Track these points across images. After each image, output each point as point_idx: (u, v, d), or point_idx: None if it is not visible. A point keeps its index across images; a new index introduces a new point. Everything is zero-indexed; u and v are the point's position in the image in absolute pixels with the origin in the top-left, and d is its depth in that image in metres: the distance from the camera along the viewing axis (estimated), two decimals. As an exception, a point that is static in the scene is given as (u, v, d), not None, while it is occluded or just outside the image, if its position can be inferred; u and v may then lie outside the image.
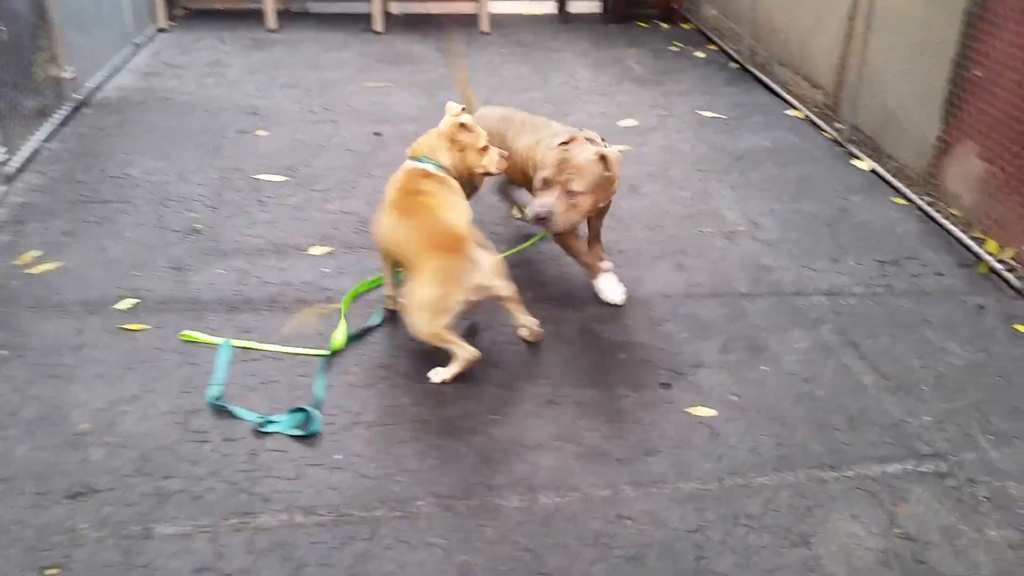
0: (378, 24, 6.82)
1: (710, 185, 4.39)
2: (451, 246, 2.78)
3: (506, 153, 3.19)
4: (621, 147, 4.81)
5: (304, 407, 2.75)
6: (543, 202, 3.07)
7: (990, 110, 3.77)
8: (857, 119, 4.77)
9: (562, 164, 3.05)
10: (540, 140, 3.33)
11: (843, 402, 2.84)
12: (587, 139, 3.19)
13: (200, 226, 3.89)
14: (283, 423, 2.72)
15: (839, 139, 4.87)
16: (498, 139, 3.42)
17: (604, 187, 3.14)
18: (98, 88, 5.45)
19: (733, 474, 2.52)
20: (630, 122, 5.19)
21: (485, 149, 3.11)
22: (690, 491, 2.46)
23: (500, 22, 7.21)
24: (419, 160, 3.08)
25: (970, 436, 2.69)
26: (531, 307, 3.24)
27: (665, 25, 7.28)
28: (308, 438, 2.65)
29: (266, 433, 2.65)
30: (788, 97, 5.52)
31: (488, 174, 3.20)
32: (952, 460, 2.59)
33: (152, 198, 4.12)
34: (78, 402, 2.79)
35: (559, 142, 3.11)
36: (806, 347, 3.12)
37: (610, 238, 3.84)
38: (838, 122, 4.99)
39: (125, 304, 3.30)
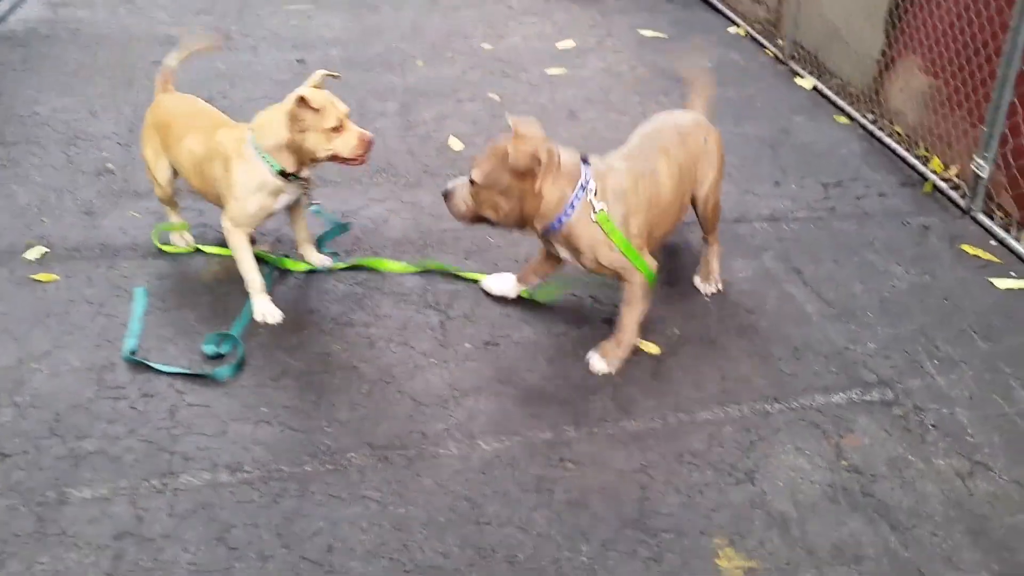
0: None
1: (650, 109, 4.23)
2: None
3: (369, 135, 2.63)
4: (558, 70, 4.63)
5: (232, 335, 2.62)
6: (456, 180, 2.57)
7: (934, 21, 3.66)
8: (799, 35, 4.64)
9: (485, 149, 2.51)
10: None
11: (787, 332, 2.78)
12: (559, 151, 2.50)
13: (112, 166, 3.65)
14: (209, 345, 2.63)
15: (781, 56, 4.75)
16: None
17: (512, 190, 2.43)
18: (0, 20, 5.06)
19: (677, 409, 2.46)
20: (568, 43, 4.99)
21: (337, 129, 2.58)
22: (633, 430, 2.39)
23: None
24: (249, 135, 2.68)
25: (916, 362, 2.65)
26: (462, 240, 3.12)
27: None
28: (228, 388, 2.50)
29: (186, 381, 2.50)
30: (729, 14, 5.36)
31: (339, 159, 2.62)
32: (898, 388, 2.55)
33: (61, 138, 3.85)
34: (-17, 361, 2.60)
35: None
36: (748, 276, 3.04)
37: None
38: (780, 39, 4.86)
39: (33, 253, 3.09)
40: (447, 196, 2.58)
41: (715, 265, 2.96)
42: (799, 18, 4.58)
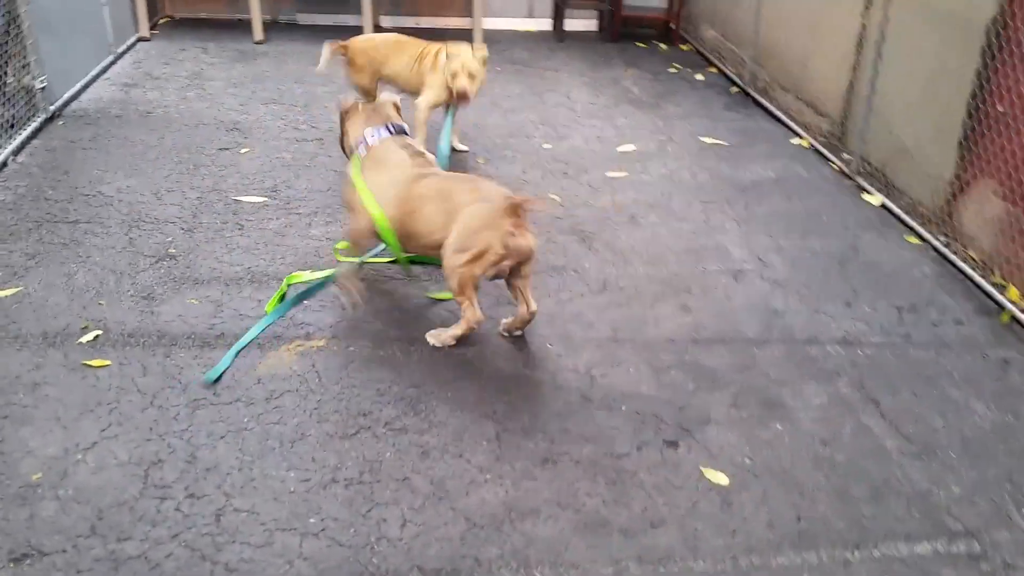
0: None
1: (713, 218, 4.18)
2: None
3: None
4: (619, 173, 4.60)
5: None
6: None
7: (1012, 147, 3.58)
8: (866, 150, 4.58)
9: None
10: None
11: (865, 468, 2.62)
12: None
13: (174, 251, 3.65)
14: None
15: (847, 171, 4.68)
16: None
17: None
18: (73, 98, 5.20)
19: (749, 552, 2.30)
20: (629, 147, 4.98)
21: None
22: (701, 572, 2.24)
23: (494, 38, 7.01)
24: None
25: (1004, 511, 2.48)
26: (529, 350, 3.04)
27: (663, 46, 7.10)
28: (278, 492, 2.40)
29: (234, 483, 2.41)
30: (792, 124, 5.33)
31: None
32: (985, 540, 2.37)
33: (124, 219, 3.87)
34: (30, 448, 2.54)
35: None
36: (823, 403, 2.90)
37: (610, 273, 3.63)
38: (846, 152, 4.80)
39: (88, 336, 3.05)
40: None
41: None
42: (866, 133, 4.53)
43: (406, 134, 3.37)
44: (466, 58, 4.15)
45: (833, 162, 4.83)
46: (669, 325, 3.30)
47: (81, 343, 3.02)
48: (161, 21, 6.95)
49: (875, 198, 4.39)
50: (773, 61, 5.75)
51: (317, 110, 5.28)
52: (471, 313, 3.04)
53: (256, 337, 3.09)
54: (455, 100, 4.26)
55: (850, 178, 4.64)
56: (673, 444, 2.68)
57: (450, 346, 3.11)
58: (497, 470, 2.55)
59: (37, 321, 3.13)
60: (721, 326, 3.31)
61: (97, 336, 3.06)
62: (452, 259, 2.97)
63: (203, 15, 7.08)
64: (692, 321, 3.33)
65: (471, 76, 4.15)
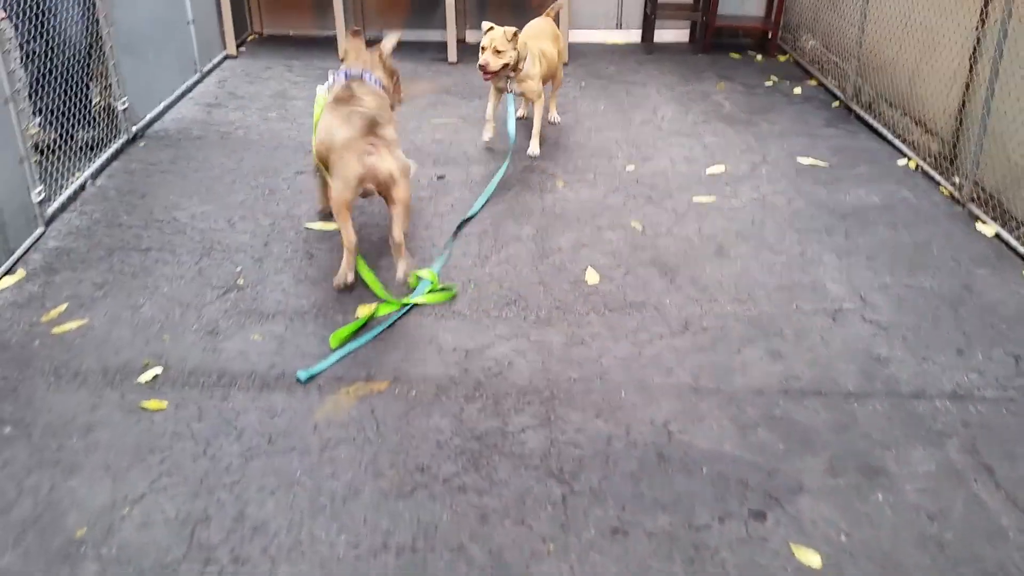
0: (452, 53, 6.48)
1: (810, 249, 3.87)
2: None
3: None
4: (706, 198, 4.32)
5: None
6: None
7: None
8: (980, 175, 4.18)
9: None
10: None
11: (978, 551, 2.31)
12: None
13: (242, 281, 3.57)
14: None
15: (958, 196, 4.28)
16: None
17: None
18: (156, 119, 5.23)
19: (843, 654, 2.03)
20: (718, 169, 4.69)
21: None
22: (788, 676, 1.98)
23: (579, 52, 6.79)
24: None
25: None
26: (593, 394, 2.82)
27: (759, 57, 6.74)
28: (324, 560, 2.25)
29: (279, 546, 2.27)
30: (898, 144, 4.94)
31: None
32: None
33: (196, 247, 3.82)
34: (77, 499, 2.46)
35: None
36: (930, 470, 2.59)
37: (693, 311, 3.38)
38: (957, 176, 4.41)
39: (148, 375, 2.98)
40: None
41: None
42: (979, 156, 4.13)
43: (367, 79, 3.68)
44: (495, 34, 4.33)
45: (943, 186, 4.43)
46: (758, 373, 3.03)
47: (140, 383, 2.95)
48: (249, 38, 6.98)
49: (989, 228, 3.99)
50: (878, 74, 5.36)
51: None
52: (345, 236, 3.40)
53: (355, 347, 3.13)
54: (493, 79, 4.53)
55: (962, 205, 4.24)
56: (760, 516, 2.41)
57: (347, 283, 3.46)
58: (562, 540, 2.34)
59: (99, 357, 3.08)
60: (816, 375, 3.02)
61: (156, 376, 2.98)
62: (332, 187, 3.38)
63: (291, 32, 7.08)
64: (784, 369, 3.05)
65: (497, 52, 4.32)
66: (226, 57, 6.47)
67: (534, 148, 4.79)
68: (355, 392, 2.90)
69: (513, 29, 4.41)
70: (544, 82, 4.87)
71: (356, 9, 6.96)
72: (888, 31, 5.21)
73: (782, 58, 6.71)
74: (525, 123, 5.02)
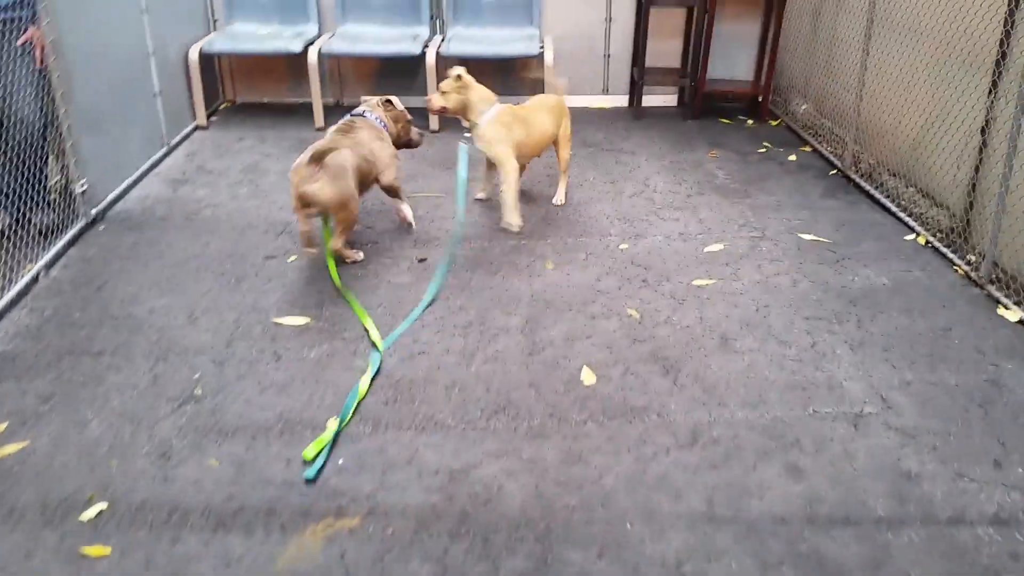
0: (434, 121, 6.22)
1: (821, 340, 3.58)
2: None
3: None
4: (706, 280, 4.04)
5: None
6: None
7: None
8: (997, 253, 3.92)
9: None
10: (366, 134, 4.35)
11: None
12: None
13: (200, 391, 3.23)
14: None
15: (975, 277, 4.01)
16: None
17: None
18: (119, 198, 4.93)
19: None
20: (716, 247, 4.42)
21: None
22: None
23: (566, 117, 6.55)
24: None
25: None
26: (594, 526, 2.49)
27: (750, 121, 6.53)
28: None
29: None
30: (904, 217, 4.69)
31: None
32: None
33: (152, 349, 3.49)
34: None
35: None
36: (984, 623, 2.26)
37: (700, 418, 3.07)
38: (971, 254, 4.15)
39: (91, 512, 2.63)
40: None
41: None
42: (996, 233, 3.88)
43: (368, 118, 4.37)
44: (446, 80, 4.43)
45: (957, 265, 4.17)
46: (777, 495, 2.71)
47: (82, 520, 2.60)
48: (222, 107, 6.72)
49: (1013, 313, 3.72)
50: (878, 142, 5.14)
51: (371, 204, 4.87)
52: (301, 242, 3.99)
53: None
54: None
55: (979, 286, 3.97)
56: None
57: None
58: None
59: (38, 489, 2.73)
60: (842, 497, 2.70)
61: (101, 511, 2.63)
62: None
63: (266, 99, 6.82)
64: (805, 490, 2.73)
65: (442, 92, 4.42)
66: (196, 128, 6.19)
67: (509, 219, 4.55)
68: (323, 531, 2.56)
69: (459, 71, 4.38)
70: (536, 154, 4.72)
71: (333, 77, 6.72)
72: (888, 99, 5.00)
73: (774, 123, 6.51)
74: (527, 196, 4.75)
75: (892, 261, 4.26)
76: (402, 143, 4.60)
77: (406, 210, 4.58)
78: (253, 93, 6.82)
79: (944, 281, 4.06)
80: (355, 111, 4.39)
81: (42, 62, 4.16)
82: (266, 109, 6.68)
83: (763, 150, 5.90)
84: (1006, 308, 3.76)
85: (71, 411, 3.11)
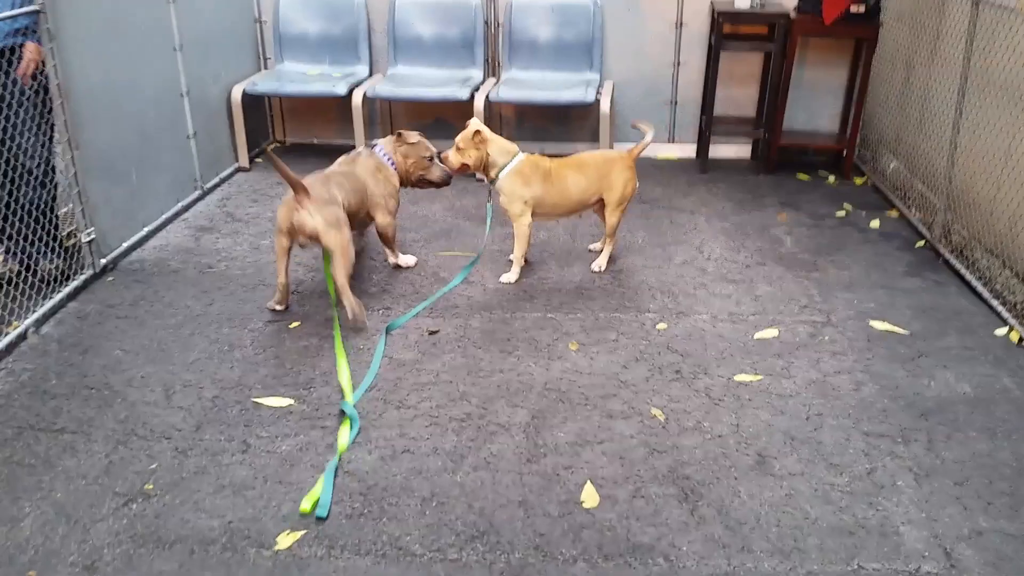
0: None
1: (880, 464, 2.98)
2: None
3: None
4: (751, 377, 3.48)
5: None
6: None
7: None
8: (1110, 363, 3.24)
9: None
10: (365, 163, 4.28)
11: None
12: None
13: (151, 486, 2.88)
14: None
15: (1080, 389, 3.34)
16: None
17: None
18: (137, 245, 4.69)
19: None
20: (769, 333, 3.86)
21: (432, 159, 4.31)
22: None
23: (626, 168, 6.06)
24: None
25: None
26: None
27: (831, 178, 5.90)
28: None
29: None
30: (997, 306, 4.02)
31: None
32: None
33: (116, 430, 3.18)
34: None
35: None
36: None
37: (717, 567, 2.53)
38: (1078, 359, 3.47)
39: (-15, 639, 2.29)
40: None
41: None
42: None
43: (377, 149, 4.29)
44: (464, 131, 4.13)
45: (1061, 373, 3.49)
46: None
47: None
48: (271, 147, 6.49)
49: None
50: (972, 212, 4.47)
51: (385, 271, 4.49)
52: (278, 273, 3.94)
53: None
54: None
55: (1087, 402, 3.30)
56: None
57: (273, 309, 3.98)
58: None
59: (-63, 603, 2.41)
60: None
61: (-6, 643, 2.29)
62: None
63: (315, 140, 6.57)
64: None
65: (458, 149, 4.11)
66: (237, 170, 5.97)
67: (506, 276, 4.31)
68: None
69: (475, 127, 4.10)
70: (568, 214, 4.39)
71: (384, 119, 6.42)
72: (983, 161, 4.34)
73: (859, 181, 5.86)
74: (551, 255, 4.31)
75: (978, 363, 3.61)
76: (416, 181, 4.35)
77: (400, 260, 4.45)
78: (303, 133, 6.59)
79: (1042, 393, 3.39)
80: (370, 143, 4.33)
81: (34, 79, 3.90)
82: (315, 151, 6.42)
83: (842, 213, 5.27)
84: (1117, 436, 3.08)
85: (8, 502, 2.80)
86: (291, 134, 6.61)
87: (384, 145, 4.27)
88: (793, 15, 5.55)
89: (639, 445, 3.10)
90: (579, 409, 3.31)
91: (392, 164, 4.25)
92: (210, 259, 4.60)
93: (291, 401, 3.35)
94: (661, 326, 3.92)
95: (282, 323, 3.93)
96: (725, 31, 5.69)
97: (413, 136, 4.28)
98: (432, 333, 3.86)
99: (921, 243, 4.81)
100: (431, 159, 4.30)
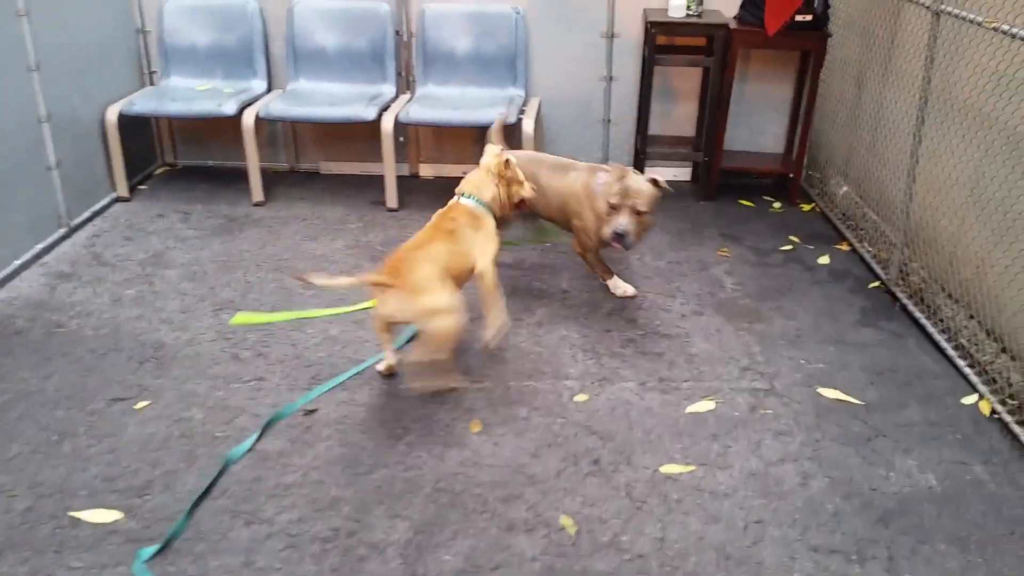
0: (392, 197, 5.21)
1: (831, 594, 2.44)
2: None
3: (535, 186, 3.77)
4: (682, 468, 2.92)
5: None
6: (620, 223, 3.62)
7: None
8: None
9: (625, 191, 3.61)
10: (577, 178, 3.93)
11: None
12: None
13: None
14: None
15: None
16: (531, 179, 3.83)
17: (656, 205, 3.70)
18: (-25, 301, 4.00)
19: None
20: (704, 406, 3.32)
21: (522, 182, 3.61)
22: None
23: (555, 194, 5.48)
24: (466, 197, 3.49)
25: None
26: None
27: (777, 205, 5.38)
28: None
29: None
30: (963, 366, 3.51)
31: (523, 202, 3.65)
32: None
33: None
34: None
35: (615, 175, 3.66)
36: None
37: None
38: (1058, 440, 2.97)
39: None
40: (623, 235, 3.64)
41: None
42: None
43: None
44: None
45: (1039, 456, 2.99)
46: None
47: None
48: (159, 171, 5.80)
49: (1124, 556, 2.52)
50: (933, 250, 3.97)
51: (281, 321, 3.87)
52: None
53: None
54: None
55: (1072, 498, 2.79)
56: None
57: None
58: None
59: None
60: None
61: None
62: None
63: (210, 163, 5.89)
64: None
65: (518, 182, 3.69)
66: (116, 200, 5.27)
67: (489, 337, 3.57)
68: None
69: (507, 155, 3.63)
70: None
71: (286, 139, 5.77)
72: (944, 196, 3.84)
73: (806, 207, 5.34)
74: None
75: (944, 444, 3.09)
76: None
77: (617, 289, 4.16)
78: (197, 155, 5.90)
79: (1015, 487, 2.88)
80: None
81: None
82: (208, 175, 5.75)
83: (788, 247, 4.75)
84: (1112, 547, 2.57)
85: None
86: (183, 156, 5.92)
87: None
88: (733, 25, 5.00)
89: (542, 571, 2.52)
90: (473, 518, 2.73)
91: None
92: (62, 315, 3.93)
93: (118, 515, 2.72)
94: (580, 398, 3.36)
95: (128, 403, 3.29)
96: (659, 43, 5.14)
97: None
98: (308, 413, 3.25)
99: (876, 284, 4.30)
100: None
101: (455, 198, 3.55)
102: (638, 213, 3.63)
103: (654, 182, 3.65)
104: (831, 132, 5.26)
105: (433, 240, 3.31)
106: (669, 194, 3.75)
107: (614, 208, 3.65)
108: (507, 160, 3.54)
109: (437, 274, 3.16)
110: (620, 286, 4.12)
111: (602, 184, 3.76)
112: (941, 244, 3.90)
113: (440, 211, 3.49)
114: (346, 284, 3.12)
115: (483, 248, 3.41)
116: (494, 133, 4.25)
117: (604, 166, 3.87)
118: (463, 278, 3.36)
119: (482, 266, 3.39)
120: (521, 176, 3.62)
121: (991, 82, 3.45)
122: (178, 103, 5.15)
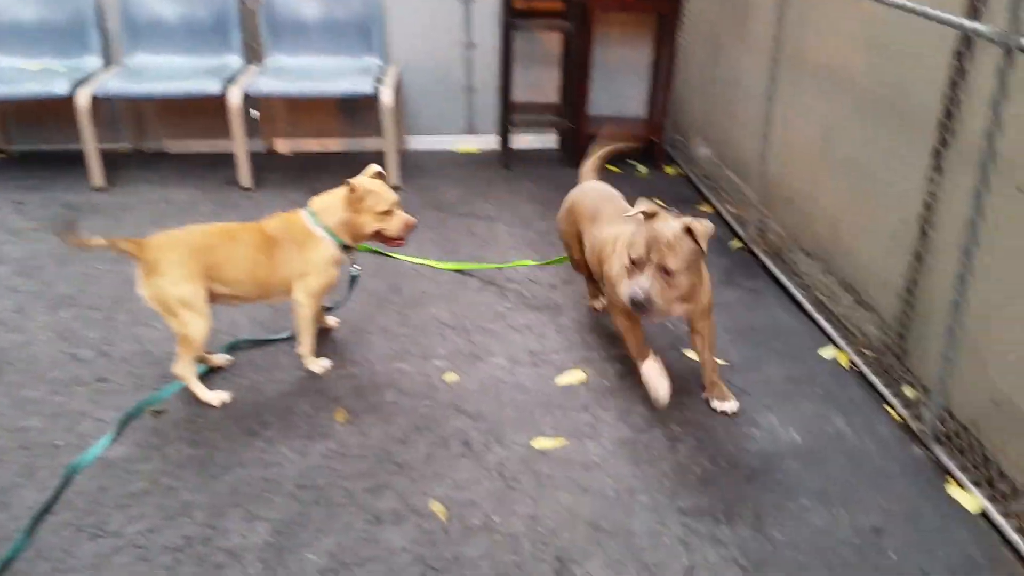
0: (245, 176, 4.94)
1: (702, 561, 2.45)
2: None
3: (413, 220, 3.12)
4: (551, 442, 2.87)
5: None
6: (639, 283, 2.69)
7: None
8: (948, 394, 2.84)
9: (651, 241, 2.68)
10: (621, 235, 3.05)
11: None
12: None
13: None
14: None
15: (916, 429, 2.93)
16: (590, 216, 3.37)
17: (696, 263, 2.77)
18: None
19: None
20: (574, 376, 3.29)
21: (388, 213, 3.05)
22: None
23: (418, 166, 5.36)
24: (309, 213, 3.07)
25: None
26: None
27: (642, 168, 5.40)
28: None
29: None
30: (820, 319, 3.60)
31: (388, 238, 3.11)
32: None
33: None
34: None
35: (642, 212, 2.79)
36: None
37: None
38: (909, 387, 3.07)
39: None
40: (646, 303, 2.66)
41: None
42: (944, 362, 2.78)
43: None
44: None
45: (890, 405, 3.08)
46: None
47: None
48: (-9, 157, 5.33)
49: (970, 498, 2.63)
50: (789, 209, 4.05)
51: (124, 318, 3.60)
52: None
53: None
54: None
55: (922, 443, 2.89)
56: None
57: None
58: None
59: None
60: None
61: None
62: None
63: (46, 147, 5.45)
64: None
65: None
66: (-62, 191, 4.81)
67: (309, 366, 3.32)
68: None
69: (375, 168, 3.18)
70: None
71: (128, 118, 5.39)
72: (798, 158, 3.91)
73: (670, 170, 5.39)
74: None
75: (805, 399, 3.15)
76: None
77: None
78: (32, 139, 5.45)
79: (874, 437, 2.95)
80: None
81: None
82: (44, 161, 5.32)
83: (653, 211, 4.75)
84: (960, 487, 2.67)
85: None
86: (18, 141, 5.46)
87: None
88: (590, -12, 4.95)
89: (413, 562, 2.42)
90: (339, 513, 2.60)
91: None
92: None
93: (-60, 544, 2.45)
94: (449, 377, 3.26)
95: (-48, 417, 2.99)
96: (516, 6, 5.03)
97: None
98: (157, 414, 3.03)
99: (738, 244, 4.36)
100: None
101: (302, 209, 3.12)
102: (667, 272, 2.68)
103: (688, 231, 2.68)
104: (692, 95, 5.31)
105: (231, 235, 3.01)
106: (713, 240, 2.76)
107: (636, 264, 2.72)
108: (352, 186, 2.99)
109: (188, 265, 2.88)
110: (652, 381, 2.97)
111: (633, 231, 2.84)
112: (796, 202, 3.98)
113: (280, 214, 3.13)
114: (98, 244, 2.82)
115: (302, 274, 3.06)
116: (593, 160, 3.70)
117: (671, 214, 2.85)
118: (258, 293, 3.09)
119: (297, 297, 3.10)
120: (384, 206, 3.03)
121: (839, 42, 3.51)
122: (4, 85, 4.72)
